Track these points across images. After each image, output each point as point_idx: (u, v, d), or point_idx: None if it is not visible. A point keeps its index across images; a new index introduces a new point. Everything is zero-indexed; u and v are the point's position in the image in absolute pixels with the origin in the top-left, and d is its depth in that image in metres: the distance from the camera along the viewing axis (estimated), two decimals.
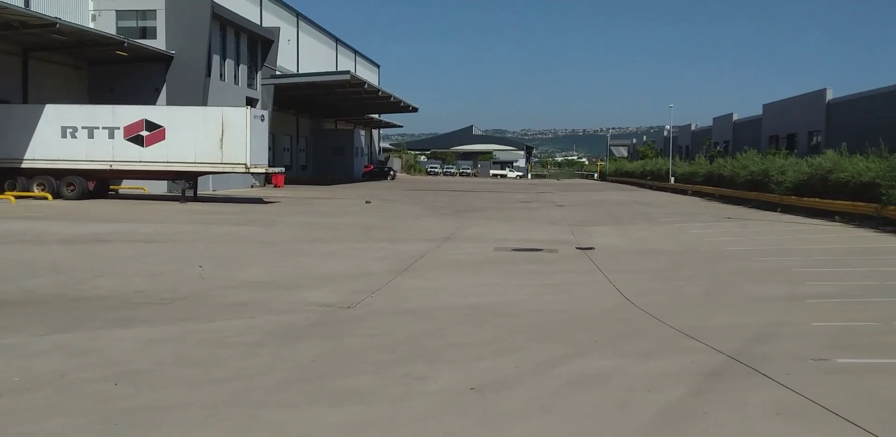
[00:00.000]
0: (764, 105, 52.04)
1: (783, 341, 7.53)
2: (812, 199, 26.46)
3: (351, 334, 7.83)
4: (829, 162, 26.71)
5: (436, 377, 6.20)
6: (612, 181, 76.71)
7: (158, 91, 33.27)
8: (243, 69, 39.56)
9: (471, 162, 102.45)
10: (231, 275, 11.72)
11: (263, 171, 29.73)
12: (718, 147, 58.89)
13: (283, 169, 38.15)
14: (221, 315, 8.65)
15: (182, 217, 21.98)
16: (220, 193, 34.60)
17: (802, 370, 6.41)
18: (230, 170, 28.26)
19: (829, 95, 42.43)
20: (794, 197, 28.09)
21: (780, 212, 28.19)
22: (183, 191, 28.23)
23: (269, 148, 37.23)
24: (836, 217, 24.19)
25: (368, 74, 71.33)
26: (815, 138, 43.70)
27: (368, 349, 7.15)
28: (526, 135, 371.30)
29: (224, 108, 28.53)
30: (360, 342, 7.45)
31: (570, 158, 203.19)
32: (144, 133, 27.34)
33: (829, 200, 25.02)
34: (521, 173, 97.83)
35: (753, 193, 32.57)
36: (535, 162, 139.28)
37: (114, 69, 33.43)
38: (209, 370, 6.31)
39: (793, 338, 7.69)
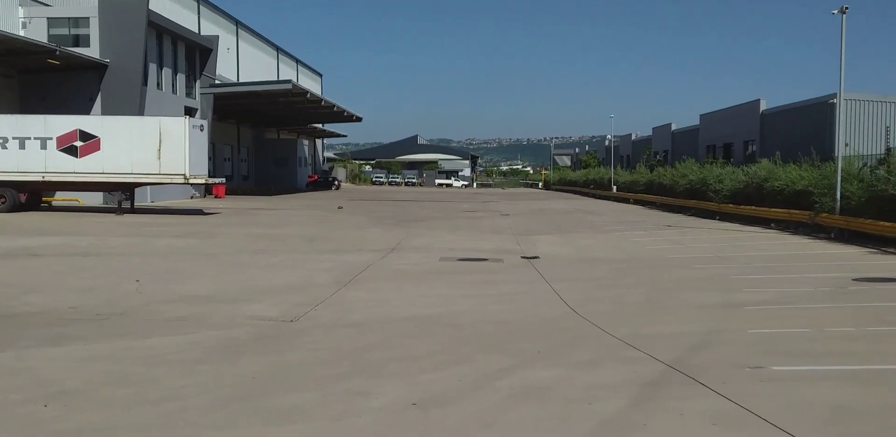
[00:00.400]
0: (701, 115, 53.39)
1: (720, 349, 7.67)
2: (749, 207, 27.21)
3: (293, 348, 7.69)
4: (763, 171, 27.51)
5: (378, 392, 6.11)
6: (557, 190, 77.64)
7: (93, 100, 32.39)
8: (181, 78, 38.82)
9: (416, 171, 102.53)
10: (170, 289, 11.42)
11: (203, 181, 29.17)
12: (658, 156, 60.18)
13: (223, 179, 37.47)
14: (159, 331, 8.40)
15: (119, 230, 21.38)
16: (159, 204, 33.81)
17: (739, 379, 6.52)
18: (168, 181, 27.65)
19: (763, 106, 43.75)
20: (731, 205, 28.84)
21: (719, 220, 28.90)
22: (119, 202, 27.50)
23: (210, 158, 36.56)
24: (772, 224, 24.91)
25: (311, 84, 70.83)
26: (750, 147, 44.97)
27: (311, 364, 7.02)
28: (471, 144, 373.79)
29: (162, 117, 27.93)
30: (303, 357, 7.31)
31: (514, 167, 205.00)
32: (78, 143, 26.56)
33: (765, 208, 25.75)
34: (466, 183, 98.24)
35: (693, 201, 33.33)
36: (481, 171, 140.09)
37: (46, 78, 32.40)
38: (144, 390, 6.09)
39: (730, 346, 7.83)
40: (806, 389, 6.28)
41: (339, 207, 30.05)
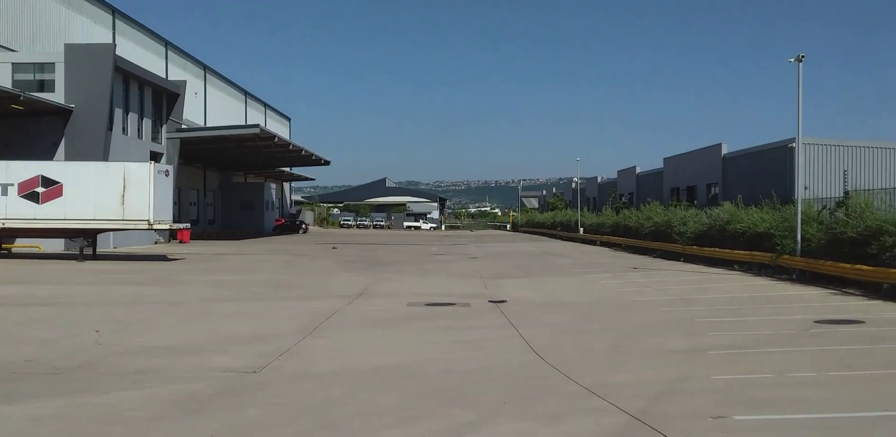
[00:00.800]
0: (664, 158, 54.39)
1: (685, 398, 7.67)
2: (712, 249, 27.59)
3: (255, 403, 7.53)
4: (726, 213, 27.99)
5: None
6: (525, 232, 78.08)
7: (56, 145, 32.12)
8: (147, 123, 38.71)
9: (385, 214, 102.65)
10: (130, 340, 11.18)
11: (168, 227, 28.91)
12: (624, 199, 61.01)
13: (188, 225, 37.11)
14: (117, 386, 8.19)
15: (80, 277, 20.98)
16: (122, 250, 33.30)
17: (701, 430, 6.51)
18: (132, 227, 27.32)
19: (725, 149, 44.76)
20: (695, 247, 29.22)
21: (684, 261, 29.24)
22: (81, 249, 27.02)
23: (175, 203, 36.31)
24: (736, 266, 25.24)
25: (279, 127, 71.08)
26: (713, 190, 45.82)
27: (272, 421, 6.87)
28: (439, 186, 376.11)
29: (126, 163, 27.74)
30: (264, 412, 7.16)
31: (483, 209, 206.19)
32: (40, 190, 26.21)
33: (728, 250, 26.13)
34: (434, 225, 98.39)
35: (658, 243, 33.71)
36: (449, 213, 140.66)
37: (9, 123, 32.10)
38: None
39: (694, 394, 7.84)
40: None
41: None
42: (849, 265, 18.39)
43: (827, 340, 11.26)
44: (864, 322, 12.99)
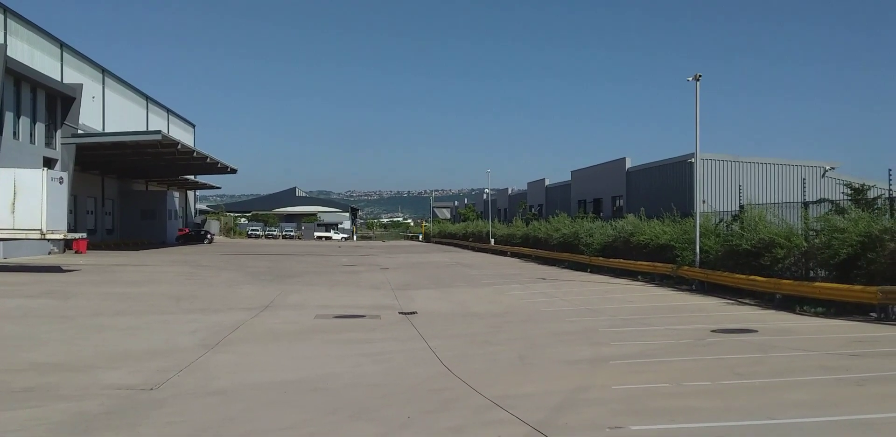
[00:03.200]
0: (572, 171, 55.70)
1: (584, 409, 7.80)
2: (618, 260, 28.37)
3: (148, 422, 7.20)
4: (630, 226, 28.87)
5: None
6: (437, 242, 78.34)
7: None
8: (41, 127, 36.76)
9: (294, 224, 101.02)
10: (17, 356, 10.59)
11: (62, 237, 27.55)
12: (533, 210, 62.07)
13: (84, 234, 35.46)
14: (2, 405, 7.72)
15: None
16: (12, 260, 31.48)
17: None
18: (23, 236, 25.86)
19: (629, 163, 46.19)
20: (601, 258, 29.99)
21: (591, 272, 29.95)
22: None
23: (70, 211, 34.69)
24: (639, 276, 26.04)
25: (183, 134, 68.94)
26: (618, 202, 47.20)
27: None
28: (351, 196, 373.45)
29: (17, 169, 26.27)
30: (158, 432, 6.85)
31: (395, 219, 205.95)
32: None
33: (632, 261, 26.93)
34: (346, 235, 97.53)
35: (566, 254, 34.42)
36: (361, 223, 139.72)
37: None
38: None
39: (593, 405, 7.99)
40: None
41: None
42: (744, 276, 19.23)
43: (722, 349, 11.70)
44: (757, 331, 13.59)
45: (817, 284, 16.89)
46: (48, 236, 26.14)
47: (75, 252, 38.52)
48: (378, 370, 10.11)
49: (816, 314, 16.04)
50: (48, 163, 35.80)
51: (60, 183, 26.15)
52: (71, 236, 30.00)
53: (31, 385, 8.73)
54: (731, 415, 7.52)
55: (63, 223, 26.58)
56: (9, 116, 33.09)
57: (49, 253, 36.72)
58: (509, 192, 77.69)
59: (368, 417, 7.50)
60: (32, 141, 35.85)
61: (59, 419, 7.21)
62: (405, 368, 10.32)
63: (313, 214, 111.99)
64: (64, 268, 28.27)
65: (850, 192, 20.03)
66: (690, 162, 34.30)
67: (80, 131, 40.94)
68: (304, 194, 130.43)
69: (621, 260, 28.07)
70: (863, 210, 18.11)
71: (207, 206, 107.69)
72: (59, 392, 8.42)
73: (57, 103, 38.59)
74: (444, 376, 9.63)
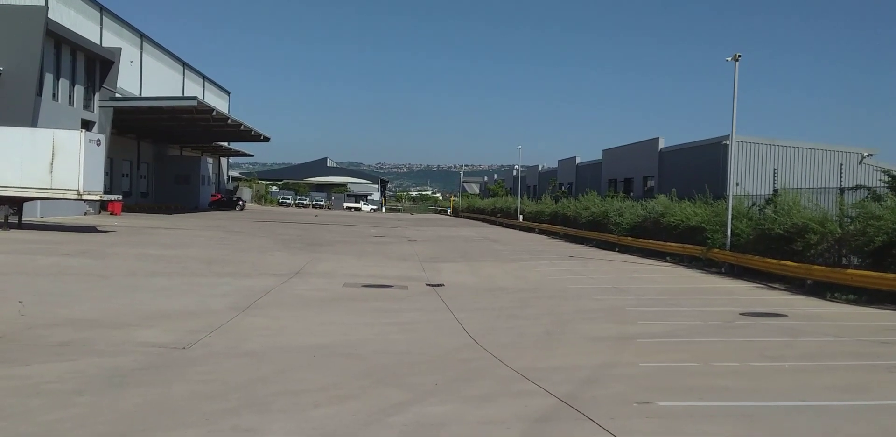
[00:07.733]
0: (604, 150, 55.07)
1: (611, 383, 7.82)
2: (646, 240, 28.17)
3: (182, 379, 7.37)
4: (661, 206, 28.58)
5: (266, 429, 5.89)
6: (465, 217, 78.38)
7: None
8: (80, 90, 37.20)
9: (325, 194, 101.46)
10: (55, 312, 10.83)
11: (98, 198, 27.95)
12: (563, 188, 61.68)
13: (120, 196, 35.99)
14: (39, 358, 7.92)
15: (3, 246, 20.13)
16: (49, 220, 32.11)
17: (626, 414, 6.65)
18: (60, 196, 26.29)
19: (662, 144, 45.54)
20: (630, 238, 29.80)
21: (619, 251, 29.80)
22: (6, 217, 25.91)
23: (107, 173, 35.17)
24: (668, 258, 25.85)
25: (218, 101, 69.33)
26: (649, 183, 46.69)
27: (198, 397, 6.73)
28: (381, 169, 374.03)
29: (56, 130, 26.64)
30: (191, 389, 7.00)
31: (424, 193, 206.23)
32: None
33: (662, 242, 26.73)
34: (375, 207, 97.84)
35: (594, 232, 34.25)
36: (390, 196, 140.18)
37: None
38: (16, 425, 5.70)
39: (621, 380, 8.00)
40: (687, 425, 6.46)
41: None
42: (775, 261, 19.01)
43: (751, 332, 11.62)
44: (786, 316, 13.46)
45: (850, 270, 16.65)
46: (84, 197, 26.55)
47: (110, 214, 39.15)
48: (406, 339, 10.22)
49: (848, 301, 15.83)
50: (86, 125, 36.25)
51: (98, 145, 26.47)
52: (107, 197, 30.45)
53: (67, 340, 8.95)
54: (759, 395, 7.49)
55: (99, 185, 26.97)
56: (48, 78, 33.50)
57: (84, 214, 37.36)
58: (539, 169, 77.16)
59: (397, 382, 7.60)
60: (71, 103, 36.30)
61: (94, 373, 7.40)
62: (432, 338, 10.41)
63: (343, 185, 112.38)
64: (99, 228, 28.77)
65: (888, 179, 19.62)
66: (725, 144, 33.73)
67: (117, 95, 41.34)
68: (335, 165, 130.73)
69: (650, 240, 27.86)
70: None
71: (240, 173, 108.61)
72: (95, 348, 8.62)
73: (96, 67, 38.95)
74: (470, 347, 9.70)
